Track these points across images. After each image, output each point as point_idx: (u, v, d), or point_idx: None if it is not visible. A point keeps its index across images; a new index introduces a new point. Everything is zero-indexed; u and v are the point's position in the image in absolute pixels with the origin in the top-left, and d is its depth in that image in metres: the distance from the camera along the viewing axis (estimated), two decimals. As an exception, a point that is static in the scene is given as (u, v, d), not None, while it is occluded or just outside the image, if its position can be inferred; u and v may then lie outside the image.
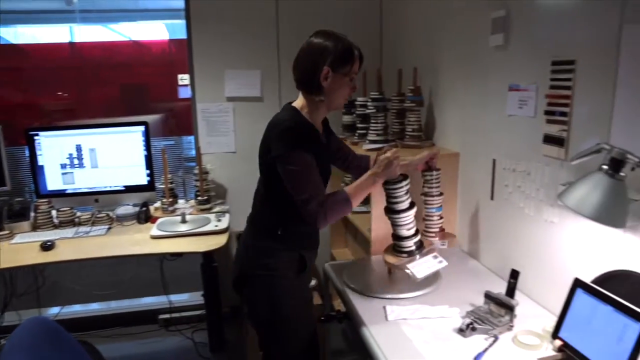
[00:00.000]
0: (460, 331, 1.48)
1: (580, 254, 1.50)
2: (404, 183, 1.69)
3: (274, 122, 1.61)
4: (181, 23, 2.99)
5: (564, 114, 1.52)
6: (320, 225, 1.54)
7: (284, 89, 3.04)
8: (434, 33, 2.41)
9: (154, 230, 2.46)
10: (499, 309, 1.55)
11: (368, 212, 2.35)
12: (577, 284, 1.39)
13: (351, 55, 1.58)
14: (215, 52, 2.95)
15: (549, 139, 1.60)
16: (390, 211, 1.74)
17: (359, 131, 2.66)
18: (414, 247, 1.77)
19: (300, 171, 1.52)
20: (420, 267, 1.73)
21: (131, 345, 3.06)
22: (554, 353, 1.38)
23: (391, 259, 1.78)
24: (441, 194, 1.96)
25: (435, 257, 1.79)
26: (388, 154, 1.64)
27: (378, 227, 2.18)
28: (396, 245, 1.80)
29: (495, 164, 1.93)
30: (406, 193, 1.71)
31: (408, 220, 1.73)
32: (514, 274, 1.59)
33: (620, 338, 1.21)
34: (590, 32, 1.41)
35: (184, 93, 3.52)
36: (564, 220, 1.56)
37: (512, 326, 1.51)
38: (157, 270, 3.06)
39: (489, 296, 1.59)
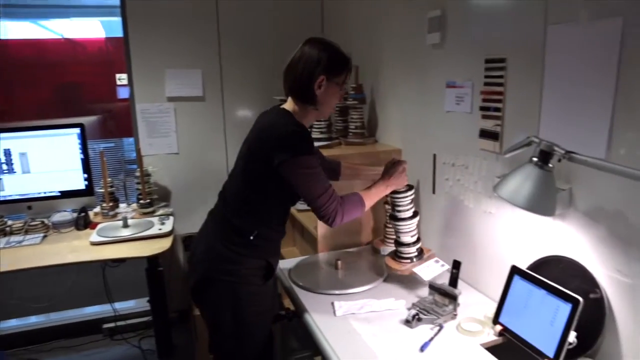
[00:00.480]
0: (407, 322, 1.52)
1: (516, 242, 1.58)
2: (410, 193, 1.81)
3: (272, 125, 1.57)
4: (117, 20, 2.88)
5: (497, 109, 1.59)
6: (336, 223, 1.55)
7: (226, 88, 3.01)
8: (374, 32, 2.46)
9: (94, 236, 2.36)
10: (443, 299, 1.60)
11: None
12: (514, 270, 1.47)
13: (346, 64, 1.60)
14: (154, 50, 2.86)
15: (484, 134, 1.67)
16: (395, 218, 1.83)
17: (303, 129, 2.67)
18: (415, 254, 1.85)
19: (312, 174, 1.52)
20: (426, 270, 1.80)
21: (75, 358, 2.93)
22: (494, 338, 1.45)
23: (395, 265, 1.85)
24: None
25: (437, 261, 1.86)
26: (401, 165, 1.75)
27: (324, 225, 2.19)
28: (398, 251, 1.86)
29: (436, 159, 1.99)
30: (410, 202, 1.82)
31: (411, 228, 1.82)
32: (456, 265, 1.65)
33: (553, 319, 1.29)
34: (519, 31, 1.48)
35: (123, 93, 3.41)
36: (501, 210, 1.63)
37: (455, 315, 1.56)
38: (100, 278, 2.94)
39: (432, 287, 1.64)
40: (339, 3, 2.91)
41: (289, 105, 1.64)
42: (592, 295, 1.28)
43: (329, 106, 1.64)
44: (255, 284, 1.64)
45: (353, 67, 2.45)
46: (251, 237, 1.60)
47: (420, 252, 1.88)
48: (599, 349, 1.29)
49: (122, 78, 3.39)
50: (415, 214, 1.84)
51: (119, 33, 2.89)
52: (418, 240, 1.87)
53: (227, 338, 1.66)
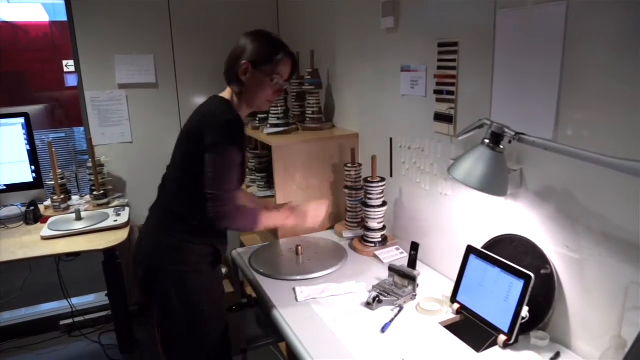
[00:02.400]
0: (368, 305, 1.55)
1: (471, 222, 1.62)
2: (382, 183, 1.95)
3: (212, 112, 1.55)
4: (61, 3, 2.74)
5: (450, 92, 1.62)
6: (220, 225, 1.51)
7: (180, 74, 2.92)
8: (329, 17, 2.44)
9: (45, 230, 2.27)
10: (402, 280, 1.63)
11: (273, 197, 2.36)
12: (470, 250, 1.51)
13: (273, 56, 1.55)
14: (102, 35, 2.74)
15: (439, 117, 1.69)
16: (365, 205, 1.99)
17: (259, 116, 2.64)
18: (380, 239, 2.00)
19: (230, 167, 1.49)
20: (387, 254, 1.94)
21: (32, 357, 2.83)
22: (453, 316, 1.49)
23: (359, 247, 2.01)
24: (361, 188, 2.09)
25: (398, 249, 1.98)
26: (316, 206, 1.74)
27: (285, 211, 2.20)
28: (365, 235, 2.02)
29: (392, 143, 2.01)
30: (381, 192, 1.97)
31: (379, 215, 1.98)
32: (414, 246, 1.68)
33: (507, 295, 1.34)
34: (470, 15, 1.50)
35: (72, 81, 3.26)
36: (456, 192, 1.67)
37: (415, 295, 1.60)
38: (54, 274, 2.84)
39: (392, 269, 1.67)
40: (293, -14, 2.87)
41: (226, 93, 1.62)
42: (542, 271, 1.33)
43: (257, 96, 1.59)
44: (204, 270, 1.63)
45: (309, 52, 2.45)
46: (194, 223, 1.56)
47: (385, 239, 2.01)
48: (549, 321, 1.35)
49: (70, 65, 3.24)
50: (384, 203, 1.98)
51: (64, 17, 2.75)
52: (384, 227, 2.01)
53: (180, 331, 1.61)
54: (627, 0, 1.05)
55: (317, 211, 1.74)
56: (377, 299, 1.54)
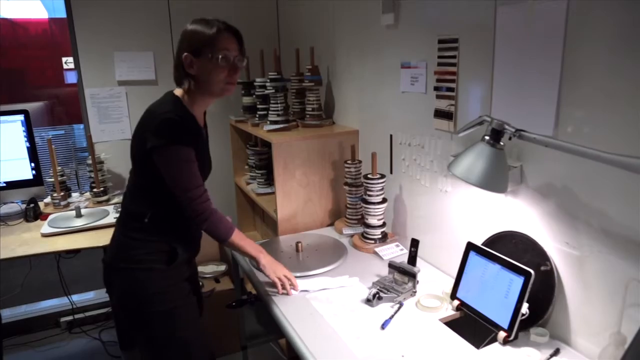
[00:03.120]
0: (368, 301, 1.55)
1: (471, 219, 1.62)
2: (382, 180, 1.95)
3: (153, 111, 1.51)
4: (61, 0, 2.73)
5: (450, 89, 1.61)
6: (207, 224, 1.52)
7: (181, 71, 2.91)
8: (329, 14, 2.43)
9: (45, 227, 2.27)
10: (402, 277, 1.63)
11: (273, 194, 2.36)
12: (470, 247, 1.51)
13: (202, 36, 1.47)
14: (102, 32, 2.74)
15: (439, 114, 1.69)
16: (365, 202, 1.99)
17: (259, 112, 2.63)
18: (380, 236, 2.00)
19: (183, 165, 1.46)
20: (387, 251, 1.94)
21: (32, 354, 2.84)
22: (453, 313, 1.50)
23: (359, 244, 2.01)
24: (361, 184, 2.09)
25: (398, 245, 1.98)
26: (285, 275, 1.66)
27: (283, 208, 2.20)
28: (365, 232, 2.02)
29: (392, 139, 2.01)
30: (381, 189, 1.97)
31: (379, 212, 1.98)
32: (414, 243, 1.68)
33: (508, 292, 1.34)
34: (471, 12, 1.49)
35: (72, 78, 3.26)
36: (456, 188, 1.67)
37: (415, 292, 1.60)
38: (55, 271, 2.84)
39: (392, 265, 1.67)
40: (293, -18, 2.86)
41: (178, 90, 1.57)
42: (542, 268, 1.33)
43: (213, 83, 1.51)
44: (157, 268, 1.57)
45: (309, 49, 2.44)
46: (145, 220, 1.54)
47: (385, 235, 2.01)
48: (549, 318, 1.35)
49: (69, 62, 3.24)
50: (384, 200, 1.98)
51: (63, 13, 2.74)
52: (384, 224, 2.01)
53: (136, 331, 1.60)
54: (627, -4, 1.05)
55: (282, 271, 1.67)
56: (377, 295, 1.54)
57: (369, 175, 1.97)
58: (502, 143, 1.19)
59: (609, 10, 1.09)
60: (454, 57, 1.58)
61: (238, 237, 1.61)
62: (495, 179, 1.20)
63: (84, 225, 2.29)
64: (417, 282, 1.61)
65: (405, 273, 1.63)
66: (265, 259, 1.66)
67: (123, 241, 1.59)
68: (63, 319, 3.06)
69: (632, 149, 1.06)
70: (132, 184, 1.61)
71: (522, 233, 1.41)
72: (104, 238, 2.20)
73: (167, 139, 1.43)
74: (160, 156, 1.45)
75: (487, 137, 1.19)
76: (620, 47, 1.08)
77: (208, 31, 1.47)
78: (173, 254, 1.60)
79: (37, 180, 2.57)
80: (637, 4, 1.03)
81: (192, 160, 1.48)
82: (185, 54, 1.49)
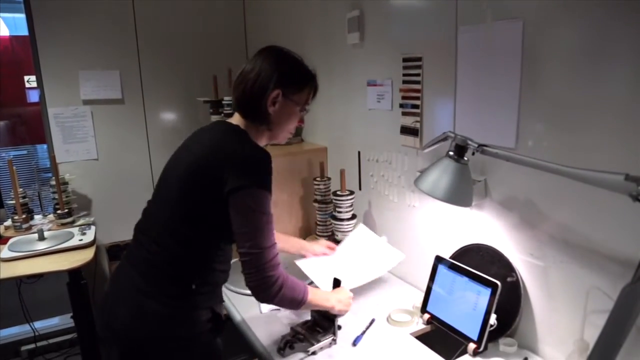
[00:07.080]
0: (279, 350, 1.38)
1: (439, 232, 1.65)
2: (351, 196, 1.99)
3: (233, 148, 1.24)
4: (22, 17, 2.68)
5: (416, 106, 1.65)
6: (272, 294, 1.22)
7: (147, 89, 2.88)
8: (297, 32, 2.46)
9: (5, 251, 2.19)
10: (322, 320, 1.46)
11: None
12: (438, 260, 1.53)
13: (308, 80, 1.33)
14: (66, 50, 2.69)
15: (405, 130, 1.72)
16: (335, 218, 2.02)
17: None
18: None
19: (262, 215, 1.21)
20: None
21: (-11, 385, 2.71)
22: (423, 326, 1.51)
23: None
24: (331, 201, 2.09)
25: None
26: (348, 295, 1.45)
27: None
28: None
29: (360, 156, 2.03)
30: (350, 205, 2.00)
31: (349, 229, 2.01)
32: (337, 283, 1.49)
33: (476, 304, 1.36)
34: (433, 31, 1.54)
35: (34, 97, 3.18)
36: (423, 203, 1.70)
37: (335, 340, 1.43)
38: (15, 297, 2.73)
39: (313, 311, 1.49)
40: (260, 3, 2.89)
41: (237, 122, 1.33)
42: (509, 279, 1.36)
43: (284, 129, 1.35)
44: (204, 342, 1.32)
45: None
46: (193, 286, 1.27)
47: None
48: (517, 328, 1.38)
49: (32, 80, 3.16)
50: (353, 216, 2.01)
51: (25, 31, 2.69)
52: None
53: None
54: (579, 18, 1.10)
55: (347, 299, 1.44)
56: (289, 344, 1.38)
57: (338, 192, 1.98)
58: (466, 158, 1.22)
59: (563, 27, 1.14)
60: (418, 75, 1.62)
61: (311, 294, 1.32)
62: (460, 193, 1.23)
63: (47, 249, 2.22)
64: (339, 327, 1.45)
65: (325, 318, 1.45)
66: (337, 306, 1.39)
67: (164, 312, 1.25)
68: (24, 348, 2.93)
69: (589, 162, 1.10)
70: (176, 241, 1.26)
71: (488, 245, 1.44)
72: (67, 261, 2.14)
73: (253, 180, 1.21)
74: (240, 199, 1.20)
75: (451, 153, 1.22)
76: (575, 62, 1.13)
77: (309, 80, 1.34)
78: (217, 321, 1.35)
79: (-4, 202, 2.49)
80: (587, 22, 1.09)
81: (271, 212, 1.24)
82: (278, 90, 1.27)
